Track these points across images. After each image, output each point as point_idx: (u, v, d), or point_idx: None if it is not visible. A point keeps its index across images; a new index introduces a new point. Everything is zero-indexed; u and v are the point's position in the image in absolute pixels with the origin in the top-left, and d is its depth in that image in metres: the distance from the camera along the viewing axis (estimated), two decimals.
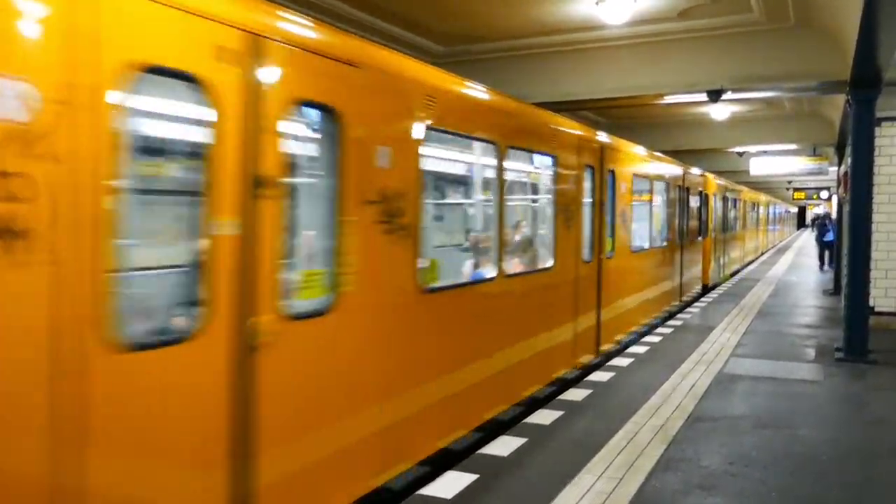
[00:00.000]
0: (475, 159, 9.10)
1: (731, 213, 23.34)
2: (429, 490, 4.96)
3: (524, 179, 9.90)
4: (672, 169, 14.11)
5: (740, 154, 24.41)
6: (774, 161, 23.48)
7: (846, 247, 10.10)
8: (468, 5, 10.07)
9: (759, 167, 23.58)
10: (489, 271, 6.83)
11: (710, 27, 10.67)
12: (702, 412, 6.98)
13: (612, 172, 9.92)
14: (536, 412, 6.88)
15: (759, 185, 37.95)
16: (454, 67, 8.69)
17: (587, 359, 9.06)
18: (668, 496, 4.97)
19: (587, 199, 9.08)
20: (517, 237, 8.49)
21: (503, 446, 5.88)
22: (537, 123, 8.00)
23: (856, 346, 9.52)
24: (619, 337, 10.40)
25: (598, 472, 5.37)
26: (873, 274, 10.21)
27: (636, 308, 11.40)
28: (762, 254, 35.10)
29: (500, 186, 6.84)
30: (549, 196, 8.41)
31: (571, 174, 8.53)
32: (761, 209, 36.13)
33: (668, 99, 12.42)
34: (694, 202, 16.16)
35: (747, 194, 28.80)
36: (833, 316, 13.40)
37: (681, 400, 7.40)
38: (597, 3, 9.57)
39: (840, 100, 12.22)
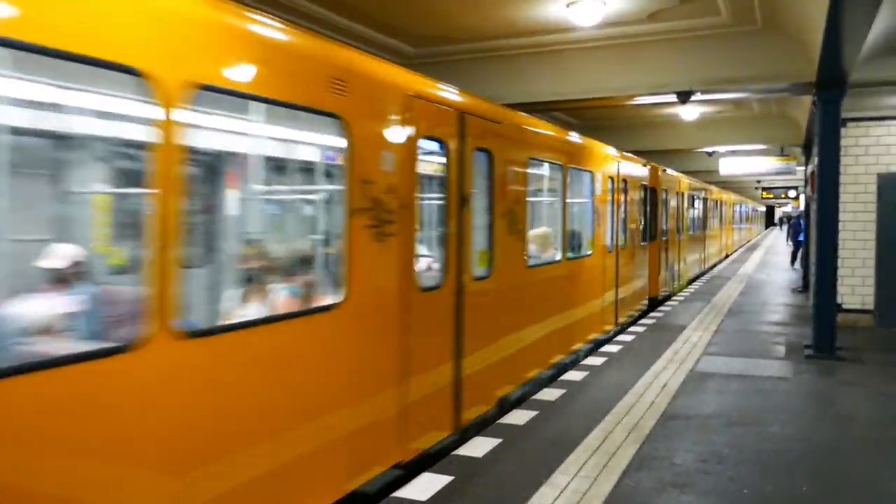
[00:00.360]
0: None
1: (690, 213, 21.27)
2: (404, 492, 4.95)
3: (266, 153, 6.61)
4: (600, 156, 10.99)
5: (710, 154, 24.67)
6: (743, 161, 23.77)
7: (814, 245, 10.26)
8: (440, 7, 10.06)
9: (729, 167, 23.86)
10: (134, 326, 3.32)
11: (680, 29, 10.77)
12: (674, 410, 7.04)
13: (488, 153, 6.81)
14: (511, 413, 6.89)
15: (729, 185, 38.37)
16: (426, 69, 8.67)
17: (436, 437, 5.88)
18: (642, 494, 5.00)
19: (433, 194, 6.23)
20: (257, 259, 5.36)
21: (478, 447, 5.88)
22: (291, 53, 4.41)
23: (824, 344, 9.67)
24: (504, 391, 7.26)
25: (573, 471, 5.39)
26: (840, 272, 10.40)
27: (536, 345, 8.12)
28: (726, 256, 32.54)
29: (164, 164, 3.40)
30: (337, 188, 4.99)
31: (387, 153, 5.18)
32: (725, 208, 33.10)
33: (639, 100, 12.50)
34: (637, 199, 13.48)
35: (709, 191, 26.25)
36: (802, 313, 13.59)
37: (654, 398, 7.46)
38: (568, 6, 9.62)
39: (807, 101, 12.42)
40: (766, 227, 79.94)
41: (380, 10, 10.15)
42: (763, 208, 69.44)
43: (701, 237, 24.13)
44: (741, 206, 45.49)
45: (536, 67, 12.05)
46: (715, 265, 27.27)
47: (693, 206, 22.09)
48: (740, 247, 41.40)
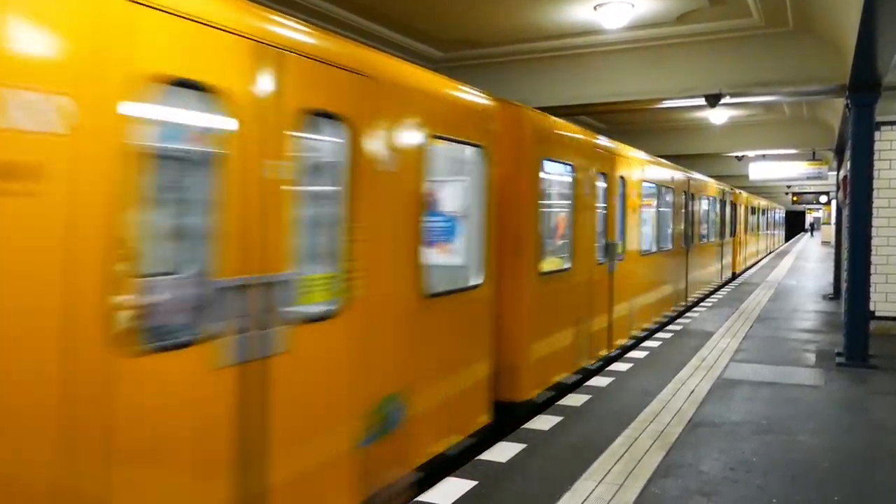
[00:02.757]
0: None
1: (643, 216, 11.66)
2: (427, 497, 4.93)
3: None
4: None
5: (739, 158, 24.42)
6: (773, 166, 23.48)
7: (846, 251, 10.08)
8: (467, 10, 10.06)
9: (759, 172, 23.58)
10: None
11: (709, 31, 10.66)
12: (701, 418, 6.95)
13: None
14: (535, 418, 6.85)
15: (760, 191, 37.92)
16: (453, 72, 8.67)
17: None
18: (668, 502, 4.94)
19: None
20: None
21: (502, 452, 5.85)
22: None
23: (856, 352, 9.49)
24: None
25: (598, 478, 5.34)
26: (873, 279, 10.19)
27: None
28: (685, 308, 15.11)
29: None
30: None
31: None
32: (708, 205, 18.56)
33: (667, 103, 12.40)
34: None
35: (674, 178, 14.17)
36: (833, 321, 13.37)
37: (680, 405, 7.37)
38: (595, 8, 9.57)
39: (839, 104, 12.22)
40: (791, 236, 68.08)
41: (407, 14, 10.18)
42: (781, 212, 55.64)
43: (640, 272, 11.43)
44: (745, 207, 27.13)
45: (563, 71, 12.01)
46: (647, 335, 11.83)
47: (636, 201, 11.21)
48: (727, 279, 21.53)
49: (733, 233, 22.84)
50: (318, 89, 4.13)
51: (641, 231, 11.45)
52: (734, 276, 22.75)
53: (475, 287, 6.13)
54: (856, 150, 9.63)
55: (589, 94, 11.98)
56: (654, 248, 12.54)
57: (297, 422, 3.95)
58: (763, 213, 36.92)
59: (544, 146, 7.59)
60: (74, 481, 2.79)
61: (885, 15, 6.58)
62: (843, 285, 10.48)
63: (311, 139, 4.31)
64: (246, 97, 3.58)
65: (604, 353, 9.54)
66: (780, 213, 53.47)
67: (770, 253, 40.01)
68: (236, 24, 3.54)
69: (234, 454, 3.52)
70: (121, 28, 2.95)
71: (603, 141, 9.78)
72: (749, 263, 28.43)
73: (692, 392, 7.92)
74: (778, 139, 20.09)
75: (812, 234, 71.07)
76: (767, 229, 40.63)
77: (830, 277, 19.64)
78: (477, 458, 5.74)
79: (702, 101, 11.41)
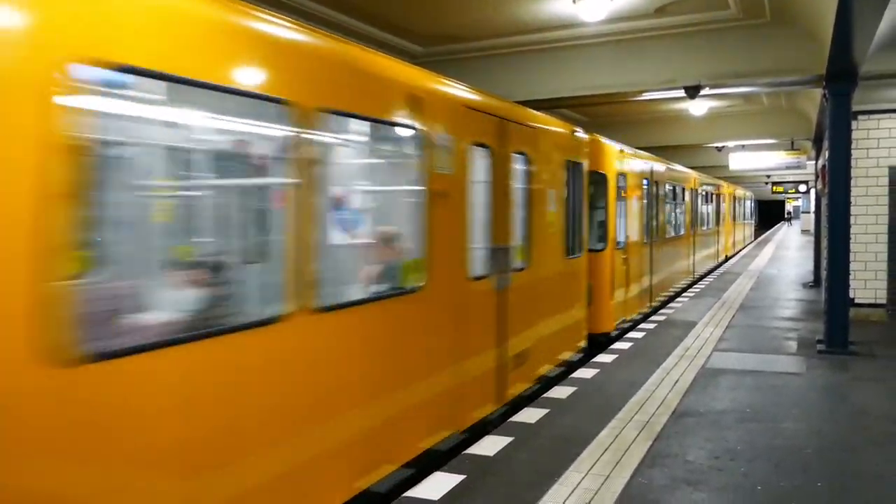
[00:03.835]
0: None
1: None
2: (415, 492, 4.94)
3: None
4: None
5: (719, 149, 24.58)
6: (753, 156, 23.66)
7: (826, 240, 10.19)
8: (447, 6, 10.05)
9: (739, 162, 23.75)
10: None
11: (687, 24, 10.72)
12: (686, 407, 7.01)
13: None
14: (522, 411, 6.88)
15: (740, 180, 38.15)
16: (433, 67, 8.65)
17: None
18: (655, 492, 4.98)
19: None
20: None
21: (489, 446, 5.87)
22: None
23: (837, 339, 9.61)
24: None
25: (585, 469, 5.37)
26: (852, 266, 10.32)
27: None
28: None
29: None
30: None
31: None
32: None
33: (647, 95, 12.46)
34: None
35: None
36: (814, 308, 13.52)
37: (665, 395, 7.43)
38: (574, 2, 9.57)
39: (817, 94, 12.34)
40: (767, 228, 60.12)
41: (387, 10, 10.15)
42: (748, 200, 40.93)
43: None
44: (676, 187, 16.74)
45: (543, 64, 12.03)
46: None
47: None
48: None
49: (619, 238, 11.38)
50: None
51: None
52: (643, 319, 12.64)
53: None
54: (833, 140, 9.73)
55: (569, 87, 12.00)
56: None
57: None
58: (709, 200, 22.60)
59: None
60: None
61: (861, 4, 6.65)
62: (823, 273, 10.59)
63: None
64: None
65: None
66: (746, 202, 36.80)
67: (727, 259, 27.08)
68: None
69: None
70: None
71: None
72: (682, 283, 17.18)
73: (676, 382, 7.99)
74: (757, 129, 20.25)
75: (791, 223, 71.21)
76: (721, 225, 25.66)
77: (810, 266, 19.84)
78: (464, 452, 5.76)
79: (681, 93, 11.47)
